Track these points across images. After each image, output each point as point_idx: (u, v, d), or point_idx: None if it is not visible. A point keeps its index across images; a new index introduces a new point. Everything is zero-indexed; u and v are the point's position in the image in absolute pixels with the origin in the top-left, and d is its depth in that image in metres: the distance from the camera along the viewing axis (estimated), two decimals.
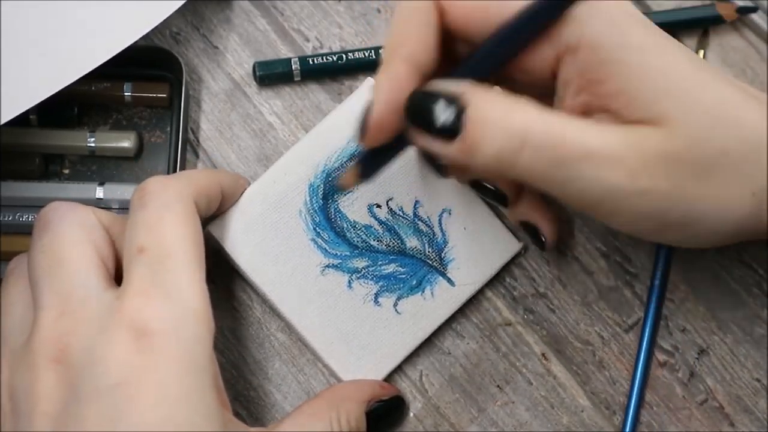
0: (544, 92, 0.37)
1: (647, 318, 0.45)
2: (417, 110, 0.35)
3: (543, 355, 0.46)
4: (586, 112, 0.36)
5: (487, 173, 0.42)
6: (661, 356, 0.46)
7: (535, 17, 0.34)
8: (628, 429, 0.44)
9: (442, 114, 0.34)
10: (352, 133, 0.44)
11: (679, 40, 0.48)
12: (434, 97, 0.35)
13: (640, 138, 0.34)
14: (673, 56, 0.35)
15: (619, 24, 0.34)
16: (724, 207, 0.35)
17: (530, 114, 0.34)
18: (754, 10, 0.48)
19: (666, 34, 0.36)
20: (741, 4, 0.48)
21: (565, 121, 0.34)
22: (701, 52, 0.48)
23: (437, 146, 0.35)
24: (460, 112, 0.34)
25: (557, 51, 0.35)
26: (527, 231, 0.44)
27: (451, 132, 0.34)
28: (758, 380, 0.45)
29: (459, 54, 0.38)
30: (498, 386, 0.45)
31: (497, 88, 0.36)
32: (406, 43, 0.35)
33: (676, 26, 0.49)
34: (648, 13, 0.49)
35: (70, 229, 0.37)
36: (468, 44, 0.37)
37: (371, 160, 0.39)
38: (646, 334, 0.45)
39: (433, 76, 0.36)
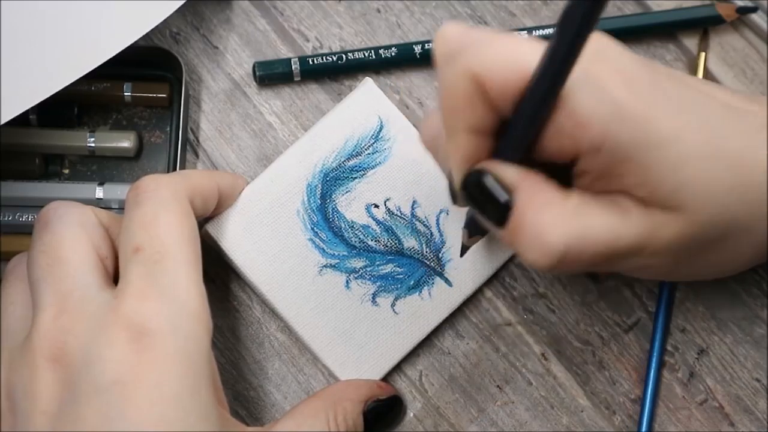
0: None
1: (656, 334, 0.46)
2: (471, 196, 0.36)
3: (543, 355, 0.46)
4: (608, 191, 0.36)
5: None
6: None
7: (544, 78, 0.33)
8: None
9: (492, 207, 0.35)
10: (350, 132, 0.45)
11: (679, 40, 0.49)
12: (489, 185, 0.35)
13: (662, 227, 0.35)
14: (690, 139, 0.35)
15: (638, 122, 0.34)
16: (730, 263, 0.39)
17: (568, 227, 0.34)
18: (754, 10, 0.48)
19: (675, 89, 0.36)
20: (741, 4, 0.48)
21: (599, 225, 0.35)
22: (702, 55, 0.48)
23: (487, 224, 0.36)
24: (507, 211, 0.35)
25: (579, 149, 0.35)
26: None
27: (499, 222, 0.35)
28: (758, 380, 0.45)
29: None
30: (498, 386, 0.45)
31: (543, 182, 0.36)
32: (461, 116, 0.35)
33: (675, 26, 0.49)
34: (646, 14, 0.49)
35: (69, 229, 0.37)
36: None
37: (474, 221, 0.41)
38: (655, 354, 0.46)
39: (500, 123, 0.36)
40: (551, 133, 0.34)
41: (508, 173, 0.35)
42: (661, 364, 0.46)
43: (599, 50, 0.35)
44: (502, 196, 0.35)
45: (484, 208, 0.35)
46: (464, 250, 0.43)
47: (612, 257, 0.35)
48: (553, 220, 0.34)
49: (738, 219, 0.36)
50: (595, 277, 0.46)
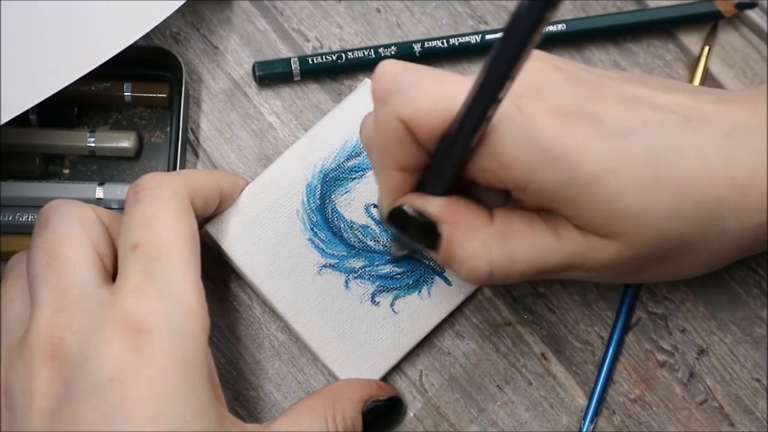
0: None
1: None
2: (397, 227, 0.38)
3: (543, 355, 0.46)
4: (544, 213, 0.37)
5: None
6: (660, 356, 0.46)
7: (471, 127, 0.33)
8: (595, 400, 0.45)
9: (419, 236, 0.37)
10: (349, 133, 0.45)
11: (678, 39, 0.49)
12: (414, 219, 0.37)
13: (596, 251, 0.37)
14: (628, 170, 0.35)
15: (566, 161, 0.34)
16: (680, 274, 0.40)
17: (492, 253, 0.36)
18: (752, 5, 0.48)
19: (627, 113, 0.36)
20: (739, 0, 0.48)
21: (526, 249, 0.37)
22: (706, 49, 0.48)
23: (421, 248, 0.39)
24: (436, 237, 0.37)
25: (506, 187, 0.36)
26: None
27: (431, 246, 0.37)
28: (758, 380, 0.45)
29: None
30: (498, 386, 0.45)
31: (465, 210, 0.37)
32: (391, 156, 0.36)
33: (674, 23, 0.49)
34: (646, 10, 0.49)
35: (68, 226, 0.37)
36: None
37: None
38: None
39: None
40: (475, 169, 0.35)
41: (431, 206, 0.37)
42: (626, 327, 0.46)
43: (537, 84, 0.36)
44: (425, 228, 0.37)
45: (412, 237, 0.38)
46: (395, 258, 0.44)
47: (543, 274, 0.37)
48: (478, 249, 0.36)
49: (685, 236, 0.37)
50: None
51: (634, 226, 0.35)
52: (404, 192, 0.37)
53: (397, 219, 0.37)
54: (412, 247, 0.43)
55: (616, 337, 0.45)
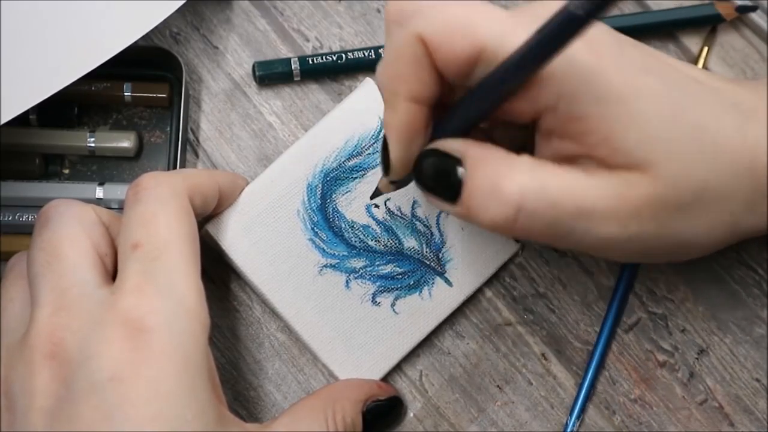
0: (532, 132, 0.37)
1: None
2: (423, 175, 0.36)
3: (543, 355, 0.46)
4: (572, 156, 0.36)
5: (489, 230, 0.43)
6: (660, 356, 0.46)
7: (515, 70, 0.33)
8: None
9: (444, 180, 0.35)
10: (350, 132, 0.45)
11: (679, 40, 0.49)
12: (437, 162, 0.36)
13: (627, 187, 0.35)
14: (649, 97, 0.35)
15: (595, 76, 0.34)
16: (706, 232, 0.37)
17: (524, 178, 0.34)
18: (753, 9, 0.48)
19: (641, 57, 0.36)
20: (740, 3, 0.48)
21: (558, 180, 0.35)
22: (705, 50, 0.48)
23: (442, 205, 0.36)
24: (458, 180, 0.35)
25: (536, 109, 0.35)
26: None
27: (451, 196, 0.35)
28: (758, 380, 0.45)
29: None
30: (498, 386, 0.45)
31: (493, 147, 0.36)
32: (404, 82, 0.35)
33: (675, 25, 0.49)
34: (646, 13, 0.49)
35: (68, 226, 0.37)
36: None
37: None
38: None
39: (440, 102, 0.36)
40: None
41: (452, 144, 0.35)
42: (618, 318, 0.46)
43: None
44: (453, 166, 0.35)
45: (435, 186, 0.36)
46: (376, 193, 0.43)
47: (577, 219, 0.35)
48: (508, 171, 0.34)
49: (708, 186, 0.35)
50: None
51: (661, 155, 0.34)
52: (414, 133, 0.36)
53: (423, 169, 0.36)
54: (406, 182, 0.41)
55: (612, 314, 0.45)
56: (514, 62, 0.32)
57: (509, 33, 0.34)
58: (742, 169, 0.36)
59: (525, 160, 0.35)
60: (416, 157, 0.37)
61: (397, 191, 0.44)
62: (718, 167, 0.36)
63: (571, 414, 0.45)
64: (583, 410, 0.45)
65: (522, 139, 0.39)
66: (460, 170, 0.35)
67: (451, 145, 0.36)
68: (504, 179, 0.34)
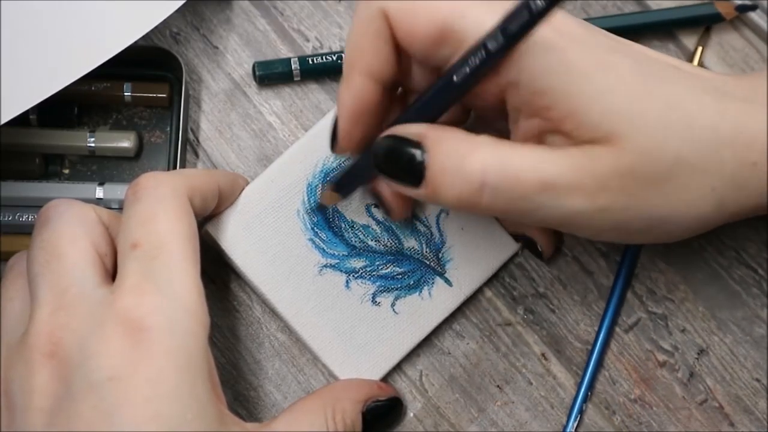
0: (503, 115, 0.38)
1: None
2: (382, 160, 0.36)
3: (543, 355, 0.46)
4: (541, 134, 0.36)
5: (455, 210, 0.43)
6: (660, 356, 0.46)
7: (481, 64, 0.34)
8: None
9: (405, 165, 0.36)
10: None
11: (678, 39, 0.49)
12: (396, 146, 0.36)
13: (593, 159, 0.35)
14: (616, 72, 0.35)
15: (556, 52, 0.34)
16: (685, 208, 0.36)
17: (485, 155, 0.35)
18: (753, 8, 0.48)
19: (610, 42, 0.36)
20: (740, 2, 0.48)
21: (520, 155, 0.35)
22: (699, 49, 0.48)
23: (404, 190, 0.37)
24: (420, 162, 0.35)
25: (500, 87, 0.35)
26: (524, 243, 0.45)
27: (414, 179, 0.36)
28: (758, 380, 0.45)
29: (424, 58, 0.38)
30: (498, 386, 0.45)
31: (453, 129, 0.36)
32: (362, 56, 0.35)
33: (674, 25, 0.49)
34: (646, 12, 0.49)
35: (68, 226, 0.37)
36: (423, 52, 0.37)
37: (346, 179, 0.41)
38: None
39: (396, 82, 0.37)
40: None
41: (412, 128, 0.36)
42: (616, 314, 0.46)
43: None
44: (412, 150, 0.35)
45: (396, 170, 0.36)
46: (320, 207, 0.44)
47: (541, 191, 0.35)
48: (470, 149, 0.35)
49: (683, 159, 0.35)
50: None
51: (627, 127, 0.34)
52: (364, 109, 0.36)
53: (382, 153, 0.36)
54: (350, 191, 0.42)
55: (612, 306, 0.45)
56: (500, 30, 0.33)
57: (474, 14, 0.34)
58: (722, 143, 0.35)
59: (485, 138, 0.35)
60: (373, 143, 0.37)
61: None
62: (694, 140, 0.35)
63: (569, 414, 0.45)
64: (582, 410, 0.45)
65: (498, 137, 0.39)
66: (420, 153, 0.35)
67: (408, 129, 0.36)
68: (466, 157, 0.35)
